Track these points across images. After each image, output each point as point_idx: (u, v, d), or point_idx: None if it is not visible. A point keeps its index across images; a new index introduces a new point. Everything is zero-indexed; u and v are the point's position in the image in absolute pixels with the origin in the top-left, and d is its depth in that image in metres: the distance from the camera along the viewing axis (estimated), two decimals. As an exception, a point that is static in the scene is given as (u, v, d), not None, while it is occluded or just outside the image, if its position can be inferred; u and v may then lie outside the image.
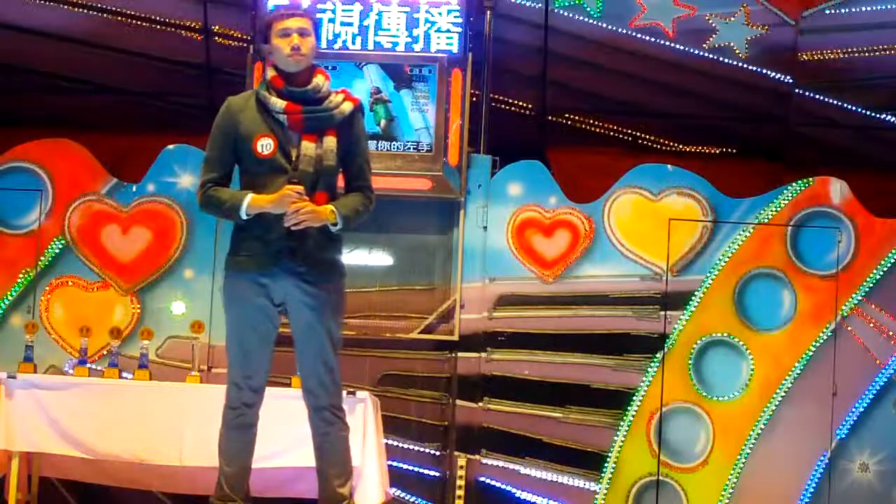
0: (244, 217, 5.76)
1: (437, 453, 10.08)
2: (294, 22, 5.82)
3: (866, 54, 10.60)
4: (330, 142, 5.81)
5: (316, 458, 5.97)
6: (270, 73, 5.88)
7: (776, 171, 10.71)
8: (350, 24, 10.10)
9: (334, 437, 5.92)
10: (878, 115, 10.79)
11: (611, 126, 11.00)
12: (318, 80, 5.85)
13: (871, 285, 10.07)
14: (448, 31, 10.05)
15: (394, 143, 9.97)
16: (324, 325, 5.84)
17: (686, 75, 10.67)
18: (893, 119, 10.81)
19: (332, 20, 10.08)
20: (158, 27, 10.71)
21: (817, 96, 10.76)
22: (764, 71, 10.62)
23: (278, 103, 5.80)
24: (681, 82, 10.72)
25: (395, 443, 9.82)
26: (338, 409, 5.91)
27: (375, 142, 9.86)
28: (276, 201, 5.69)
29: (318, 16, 9.95)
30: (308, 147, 5.78)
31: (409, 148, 9.98)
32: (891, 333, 10.03)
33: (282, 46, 5.80)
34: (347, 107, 5.87)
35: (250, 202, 5.73)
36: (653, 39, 10.55)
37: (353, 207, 5.86)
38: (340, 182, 5.96)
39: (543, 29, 10.62)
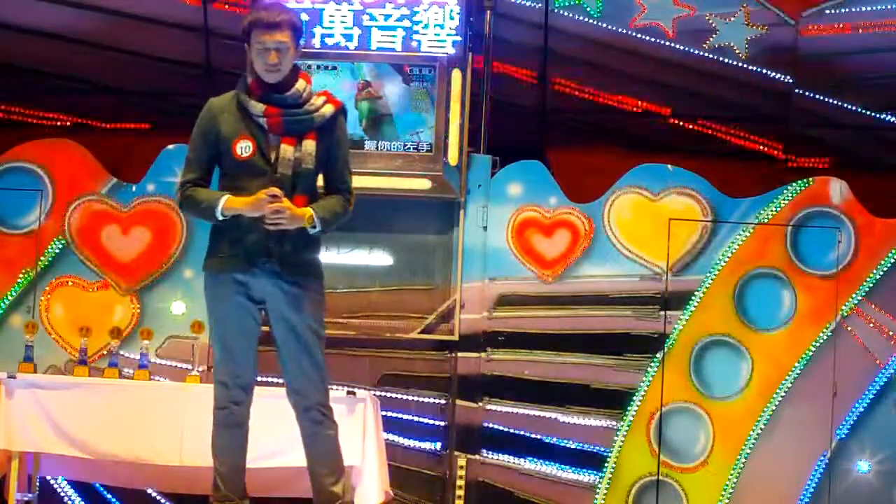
0: (219, 218, 5.78)
1: (438, 453, 10.08)
2: (272, 39, 5.76)
3: (866, 54, 10.59)
4: (309, 145, 5.79)
5: (307, 459, 5.97)
6: (249, 78, 5.86)
7: (776, 171, 10.70)
8: (350, 24, 10.09)
9: (322, 436, 5.91)
10: (878, 115, 10.79)
11: (611, 126, 10.99)
12: (299, 85, 5.82)
13: (871, 285, 10.07)
14: (448, 31, 10.04)
15: (394, 142, 9.95)
16: (305, 322, 5.82)
17: (686, 75, 10.66)
18: (893, 119, 10.80)
19: (331, 20, 10.07)
20: (158, 27, 10.71)
21: (817, 96, 10.76)
22: (764, 71, 10.62)
23: (258, 107, 5.79)
24: (681, 82, 10.72)
25: (396, 443, 9.81)
26: (325, 408, 5.90)
27: (375, 142, 9.86)
28: (252, 204, 5.69)
29: (316, 16, 9.95)
30: (287, 150, 5.77)
31: (410, 148, 9.97)
32: (891, 333, 10.03)
33: (259, 61, 5.79)
34: (328, 109, 5.84)
35: (225, 204, 5.75)
36: (653, 39, 10.54)
37: (332, 210, 5.83)
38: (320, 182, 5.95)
39: (543, 29, 10.61)
